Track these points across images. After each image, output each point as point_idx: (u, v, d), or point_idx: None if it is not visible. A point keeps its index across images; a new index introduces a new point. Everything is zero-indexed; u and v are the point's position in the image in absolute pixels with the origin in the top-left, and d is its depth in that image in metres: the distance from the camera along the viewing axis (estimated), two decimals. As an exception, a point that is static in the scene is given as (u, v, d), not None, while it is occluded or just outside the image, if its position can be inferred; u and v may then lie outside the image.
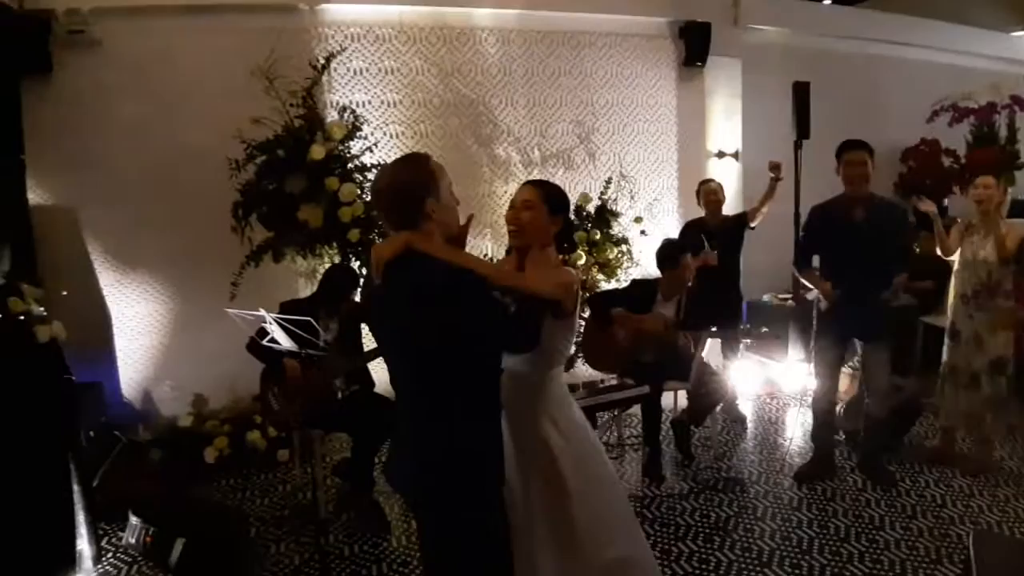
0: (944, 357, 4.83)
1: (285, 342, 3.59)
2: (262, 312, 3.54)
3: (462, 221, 2.28)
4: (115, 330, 5.36)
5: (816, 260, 4.66)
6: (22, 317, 3.22)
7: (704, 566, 3.70)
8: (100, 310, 5.24)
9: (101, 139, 5.11)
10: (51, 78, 4.97)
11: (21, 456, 3.10)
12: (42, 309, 3.34)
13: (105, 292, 5.29)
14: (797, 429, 5.45)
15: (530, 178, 2.89)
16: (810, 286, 4.74)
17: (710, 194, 5.65)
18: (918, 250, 5.73)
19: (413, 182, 2.13)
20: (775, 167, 5.49)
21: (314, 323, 3.51)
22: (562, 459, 2.57)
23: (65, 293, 4.41)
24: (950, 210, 7.09)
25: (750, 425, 5.70)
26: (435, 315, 2.06)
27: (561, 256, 2.72)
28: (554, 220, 2.59)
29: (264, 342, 3.69)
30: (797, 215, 6.25)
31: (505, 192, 6.13)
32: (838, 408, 4.98)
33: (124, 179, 5.17)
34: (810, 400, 4.93)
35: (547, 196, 2.60)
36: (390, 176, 2.20)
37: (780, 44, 7.07)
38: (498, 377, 2.24)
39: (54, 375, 3.38)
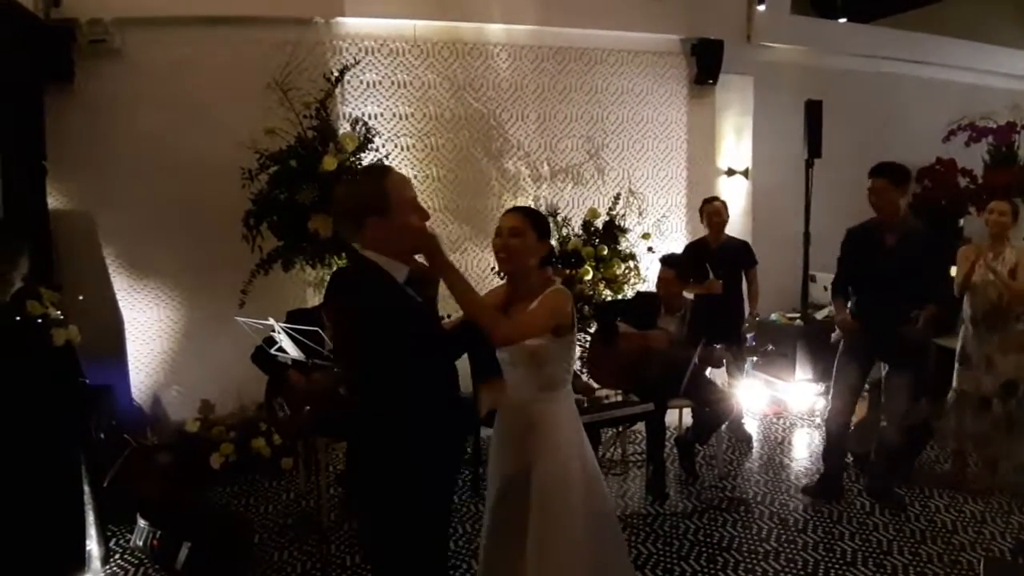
0: (954, 382, 4.79)
1: (292, 351, 3.62)
2: (271, 321, 3.58)
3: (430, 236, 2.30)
4: (127, 335, 5.41)
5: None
6: (40, 320, 3.27)
7: (706, 587, 3.69)
8: (113, 314, 5.30)
9: (119, 146, 5.19)
10: (73, 87, 5.06)
11: (35, 456, 3.14)
12: (59, 312, 3.39)
13: (118, 297, 5.35)
14: (804, 449, 5.44)
15: (516, 204, 3.04)
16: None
17: (713, 214, 5.62)
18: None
19: (359, 198, 2.21)
20: None
21: (321, 332, 3.55)
22: (535, 512, 2.60)
23: (81, 298, 4.46)
24: (965, 230, 7.06)
25: (755, 444, 5.68)
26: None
27: (552, 271, 2.82)
28: (541, 245, 2.67)
29: (272, 351, 3.72)
30: (807, 234, 6.27)
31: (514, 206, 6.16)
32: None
33: (140, 186, 5.24)
34: (824, 419, 4.91)
35: (535, 222, 2.67)
36: (343, 188, 2.33)
37: (793, 62, 7.07)
38: (428, 380, 2.29)
39: (69, 378, 3.43)
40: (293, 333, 3.49)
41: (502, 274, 2.84)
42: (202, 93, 5.31)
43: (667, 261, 4.96)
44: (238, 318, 3.79)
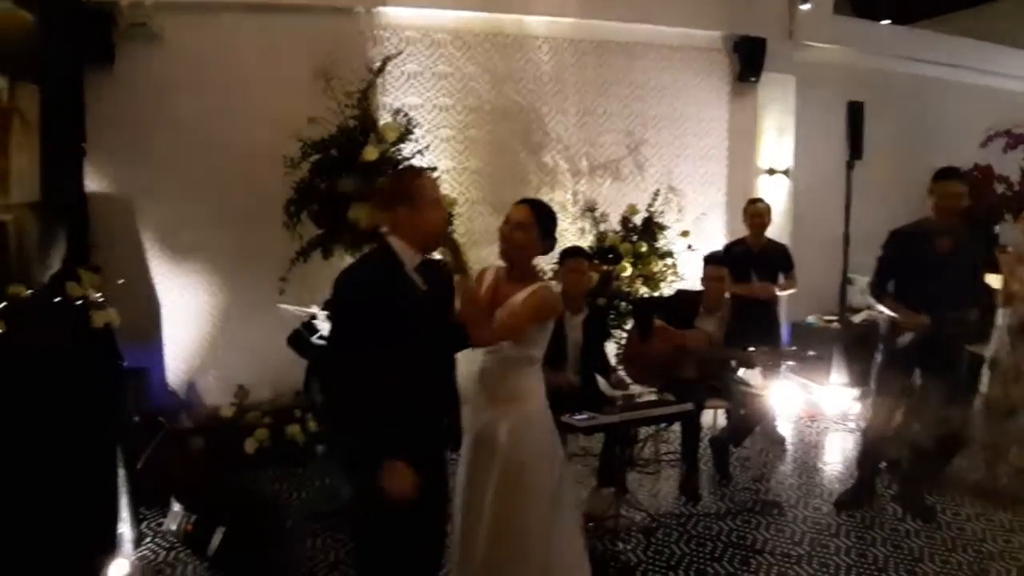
0: (983, 387, 4.70)
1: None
2: (314, 309, 3.59)
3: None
4: (163, 319, 5.45)
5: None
6: (79, 302, 3.30)
7: (739, 589, 3.66)
8: (150, 298, 5.34)
9: (158, 131, 5.21)
10: (112, 70, 5.07)
11: (72, 438, 3.15)
12: (99, 295, 3.41)
13: (155, 281, 5.39)
14: (837, 454, 5.36)
15: (526, 197, 3.06)
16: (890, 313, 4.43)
17: (755, 215, 5.55)
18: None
19: (393, 190, 2.61)
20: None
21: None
22: (500, 459, 2.81)
23: (122, 281, 4.49)
24: (1001, 238, 6.93)
25: (789, 447, 5.62)
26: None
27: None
28: (543, 243, 2.90)
29: (314, 339, 3.73)
30: (846, 235, 6.18)
31: (551, 200, 6.13)
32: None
33: (179, 171, 5.26)
34: (862, 425, 4.82)
35: (540, 218, 2.87)
36: (386, 179, 2.83)
37: (835, 62, 6.97)
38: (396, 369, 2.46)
39: (107, 360, 3.46)
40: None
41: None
42: (242, 80, 5.33)
43: (715, 259, 4.89)
44: (281, 305, 3.80)
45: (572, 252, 4.57)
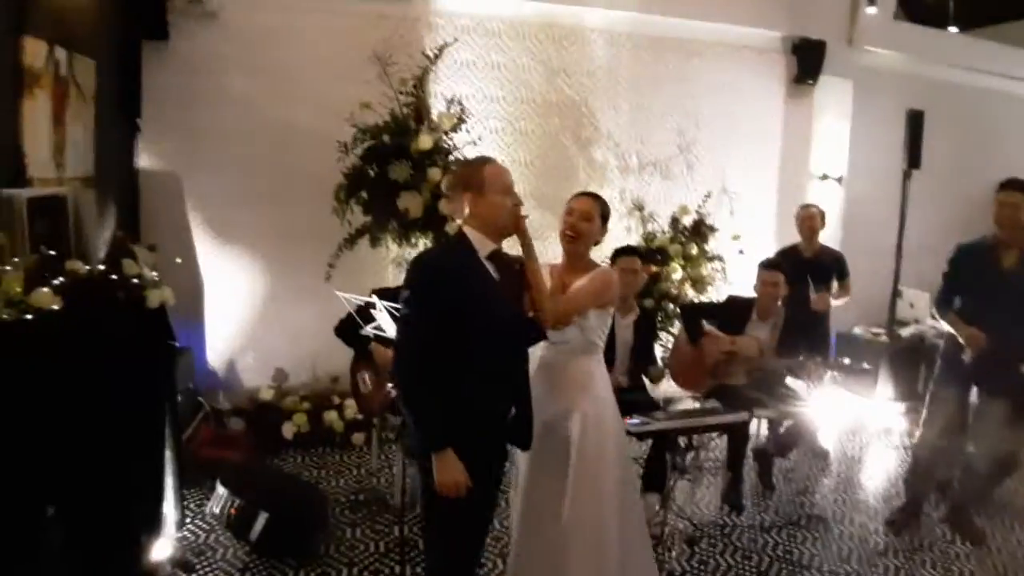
0: None
1: (391, 328, 3.56)
2: (374, 298, 3.54)
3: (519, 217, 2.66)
4: (206, 298, 5.42)
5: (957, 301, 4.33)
6: (135, 280, 3.26)
7: (789, 605, 3.58)
8: (195, 278, 5.31)
9: (210, 109, 5.16)
10: (167, 46, 5.02)
11: (126, 417, 3.13)
12: (155, 273, 3.37)
13: (200, 260, 5.36)
14: (882, 470, 5.25)
15: (585, 189, 3.31)
16: (951, 330, 4.29)
17: (807, 219, 5.41)
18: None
19: (461, 177, 2.66)
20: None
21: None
22: (575, 450, 2.87)
23: (179, 260, 4.47)
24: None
25: (833, 461, 5.50)
26: None
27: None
28: (602, 230, 3.07)
29: (369, 328, 3.67)
30: (899, 247, 6.03)
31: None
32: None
33: (228, 151, 5.23)
34: (912, 444, 4.70)
35: (602, 209, 3.05)
36: (455, 169, 2.92)
37: (894, 68, 6.81)
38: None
39: (161, 340, 3.42)
40: (392, 311, 3.43)
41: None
42: (296, 62, 5.28)
43: (771, 265, 4.77)
44: (338, 292, 3.75)
45: (625, 251, 4.50)
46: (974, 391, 4.36)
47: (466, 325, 2.45)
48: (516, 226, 2.65)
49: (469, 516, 2.56)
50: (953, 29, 7.49)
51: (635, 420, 3.95)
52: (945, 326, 4.36)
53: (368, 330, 3.70)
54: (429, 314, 2.43)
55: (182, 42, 5.11)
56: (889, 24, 6.81)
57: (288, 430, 5.16)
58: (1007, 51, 7.47)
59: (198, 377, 5.19)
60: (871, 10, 6.32)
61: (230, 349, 5.51)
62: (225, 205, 5.31)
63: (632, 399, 4.15)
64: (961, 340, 4.15)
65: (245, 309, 5.52)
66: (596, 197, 3.09)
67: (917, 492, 4.51)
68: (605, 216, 3.07)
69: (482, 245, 2.58)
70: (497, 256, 2.62)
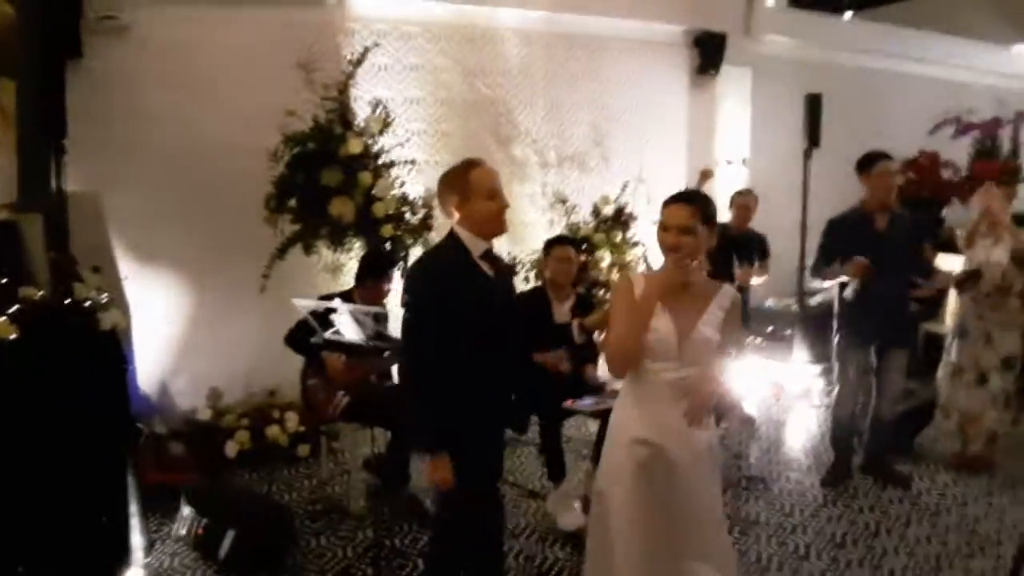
0: (951, 356, 4.99)
1: (353, 334, 3.58)
2: (337, 302, 3.54)
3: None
4: (133, 320, 5.22)
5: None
6: (87, 303, 3.16)
7: (745, 559, 3.79)
8: (121, 299, 5.10)
9: (130, 126, 4.97)
10: (81, 64, 4.81)
11: (85, 445, 3.03)
12: (105, 295, 3.27)
13: (124, 281, 5.14)
14: (806, 429, 5.62)
15: (680, 192, 2.70)
16: (832, 282, 4.82)
17: (741, 207, 5.82)
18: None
19: (448, 182, 2.74)
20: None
21: (387, 314, 3.54)
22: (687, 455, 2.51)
23: (127, 277, 4.31)
24: (947, 220, 7.37)
25: (759, 426, 5.84)
26: None
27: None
28: (710, 234, 2.54)
29: (328, 333, 3.67)
30: (804, 223, 6.45)
31: (521, 192, 6.20)
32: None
33: (151, 167, 5.05)
34: (830, 406, 5.06)
35: (703, 212, 2.50)
36: (444, 175, 2.80)
37: (791, 55, 7.26)
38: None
39: (115, 364, 3.33)
40: (357, 314, 3.45)
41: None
42: (214, 73, 5.16)
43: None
44: (296, 300, 3.73)
45: (558, 241, 4.67)
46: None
47: (466, 323, 2.57)
48: (502, 228, 2.76)
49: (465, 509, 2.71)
50: (849, 13, 8.05)
51: (587, 400, 4.13)
52: (826, 285, 4.75)
53: (327, 336, 3.69)
54: (432, 316, 2.56)
55: (96, 58, 4.90)
56: (784, 13, 7.25)
57: (232, 448, 5.04)
58: (894, 32, 8.08)
59: (132, 403, 5.00)
60: (770, 1, 6.72)
61: (161, 371, 5.34)
62: (150, 223, 5.12)
63: (579, 382, 4.34)
64: (847, 277, 4.52)
65: (175, 329, 5.35)
66: (691, 200, 2.56)
67: (842, 449, 4.84)
68: (710, 218, 2.52)
69: (474, 245, 2.70)
70: (489, 255, 2.74)
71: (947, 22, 8.46)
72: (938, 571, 3.71)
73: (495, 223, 2.73)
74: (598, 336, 4.43)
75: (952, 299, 5.56)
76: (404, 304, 2.58)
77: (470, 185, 2.68)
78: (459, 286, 2.60)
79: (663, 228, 2.54)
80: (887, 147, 4.85)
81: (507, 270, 2.88)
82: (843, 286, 4.67)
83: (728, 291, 2.62)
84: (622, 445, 2.56)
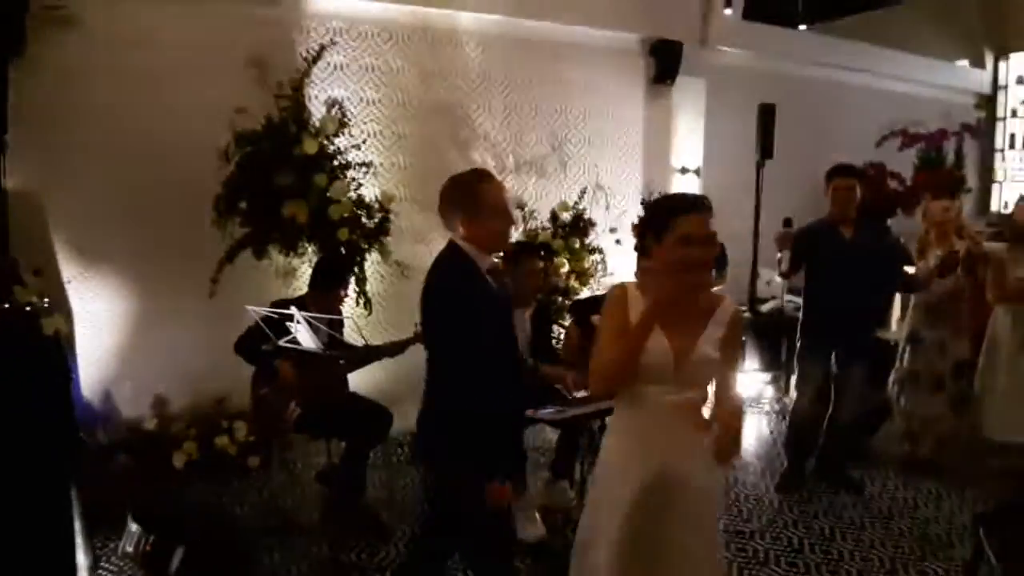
0: (905, 363, 5.10)
1: (310, 342, 3.47)
2: (293, 310, 3.42)
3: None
4: (76, 325, 5.00)
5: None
6: (28, 308, 2.99)
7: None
8: (61, 304, 4.87)
9: (72, 122, 4.75)
10: (24, 57, 4.57)
11: (27, 460, 2.87)
12: (47, 300, 3.11)
13: (66, 284, 4.93)
14: (759, 434, 5.69)
15: (692, 197, 2.50)
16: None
17: None
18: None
19: (455, 197, 2.63)
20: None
21: (343, 321, 3.44)
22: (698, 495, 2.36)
23: (70, 281, 4.10)
24: (893, 229, 7.56)
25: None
26: None
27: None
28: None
29: (282, 342, 3.55)
30: (756, 231, 6.55)
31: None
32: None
33: (95, 166, 4.83)
34: (788, 411, 5.12)
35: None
36: (447, 185, 2.68)
37: (745, 66, 7.37)
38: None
39: (59, 372, 3.16)
40: (312, 321, 3.35)
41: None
42: (164, 68, 4.95)
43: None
44: (250, 307, 3.59)
45: (524, 250, 4.65)
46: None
47: (489, 343, 2.53)
48: (507, 246, 2.86)
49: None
50: (802, 27, 8.23)
51: (549, 409, 4.08)
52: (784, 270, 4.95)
53: (281, 343, 3.57)
54: (478, 338, 2.49)
55: (40, 51, 4.63)
56: (739, 25, 7.35)
57: (179, 459, 4.86)
58: (847, 45, 8.30)
59: (75, 411, 4.77)
60: (728, 11, 6.81)
61: (105, 379, 5.11)
62: (94, 224, 4.90)
63: (542, 390, 4.29)
64: (779, 251, 4.79)
65: (120, 335, 5.14)
66: (709, 205, 2.37)
67: (797, 455, 4.90)
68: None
69: (481, 260, 2.64)
70: (494, 269, 2.72)
71: (897, 38, 8.74)
72: (893, 574, 3.78)
73: (501, 240, 2.72)
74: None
75: (897, 307, 5.71)
76: (431, 331, 2.54)
77: (479, 201, 2.59)
78: (481, 304, 2.55)
79: (685, 242, 2.24)
80: (839, 156, 4.97)
81: (506, 285, 2.80)
82: (813, 318, 4.74)
83: (728, 306, 2.41)
84: (621, 485, 2.35)
